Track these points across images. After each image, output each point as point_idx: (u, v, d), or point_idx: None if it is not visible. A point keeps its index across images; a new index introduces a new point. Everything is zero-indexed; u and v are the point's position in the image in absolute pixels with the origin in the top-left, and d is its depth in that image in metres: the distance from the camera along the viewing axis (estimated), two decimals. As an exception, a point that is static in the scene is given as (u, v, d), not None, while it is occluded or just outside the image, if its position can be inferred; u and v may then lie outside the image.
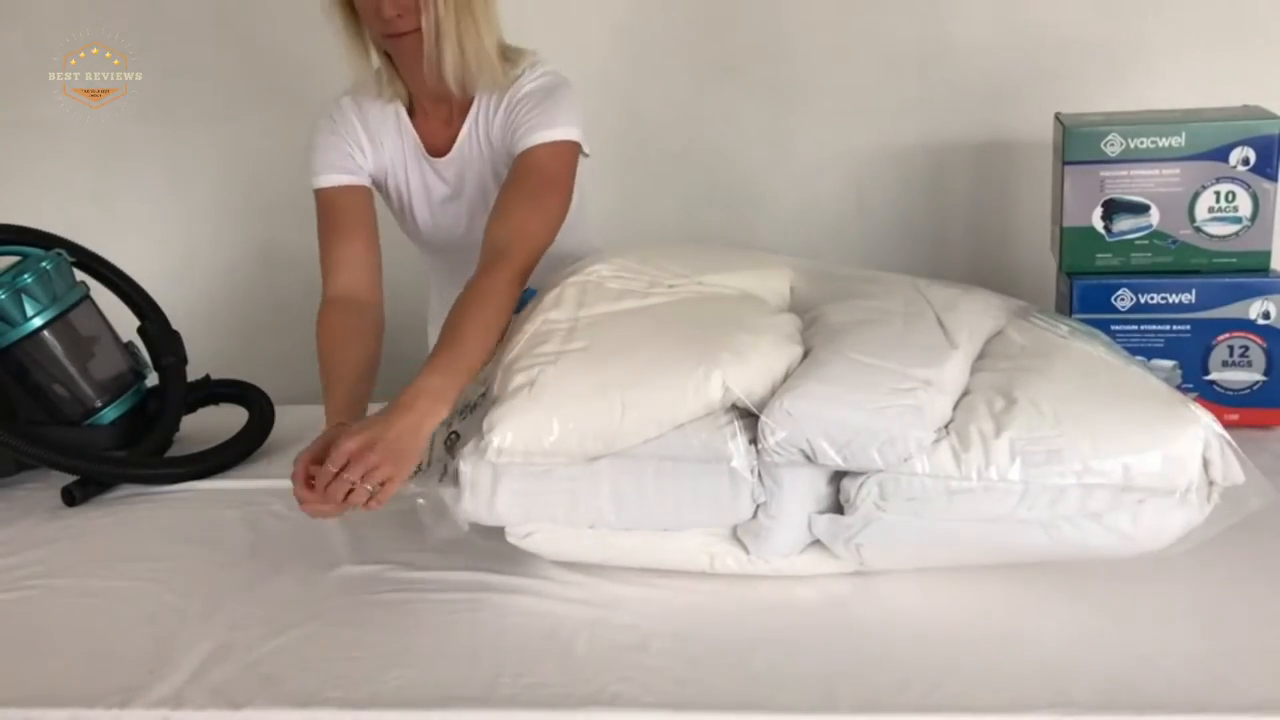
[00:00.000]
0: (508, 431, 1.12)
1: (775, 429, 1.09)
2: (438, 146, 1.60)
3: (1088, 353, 1.23)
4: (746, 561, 1.17)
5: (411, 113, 1.60)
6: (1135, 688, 0.98)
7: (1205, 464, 1.08)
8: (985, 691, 0.99)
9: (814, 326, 1.27)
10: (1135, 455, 1.07)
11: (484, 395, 1.23)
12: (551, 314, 1.27)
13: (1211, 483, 1.09)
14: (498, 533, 1.19)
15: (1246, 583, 1.15)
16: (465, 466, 1.15)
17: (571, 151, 1.50)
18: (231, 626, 1.17)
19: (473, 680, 1.05)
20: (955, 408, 1.14)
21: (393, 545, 1.29)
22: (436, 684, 1.05)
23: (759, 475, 1.13)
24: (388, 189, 1.65)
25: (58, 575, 1.32)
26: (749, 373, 1.14)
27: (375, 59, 1.56)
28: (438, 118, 1.60)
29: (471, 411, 1.23)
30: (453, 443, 1.20)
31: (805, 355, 1.20)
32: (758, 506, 1.14)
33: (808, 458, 1.10)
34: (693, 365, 1.13)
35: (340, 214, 1.55)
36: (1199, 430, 1.08)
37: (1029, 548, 1.11)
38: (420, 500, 1.18)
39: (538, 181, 1.46)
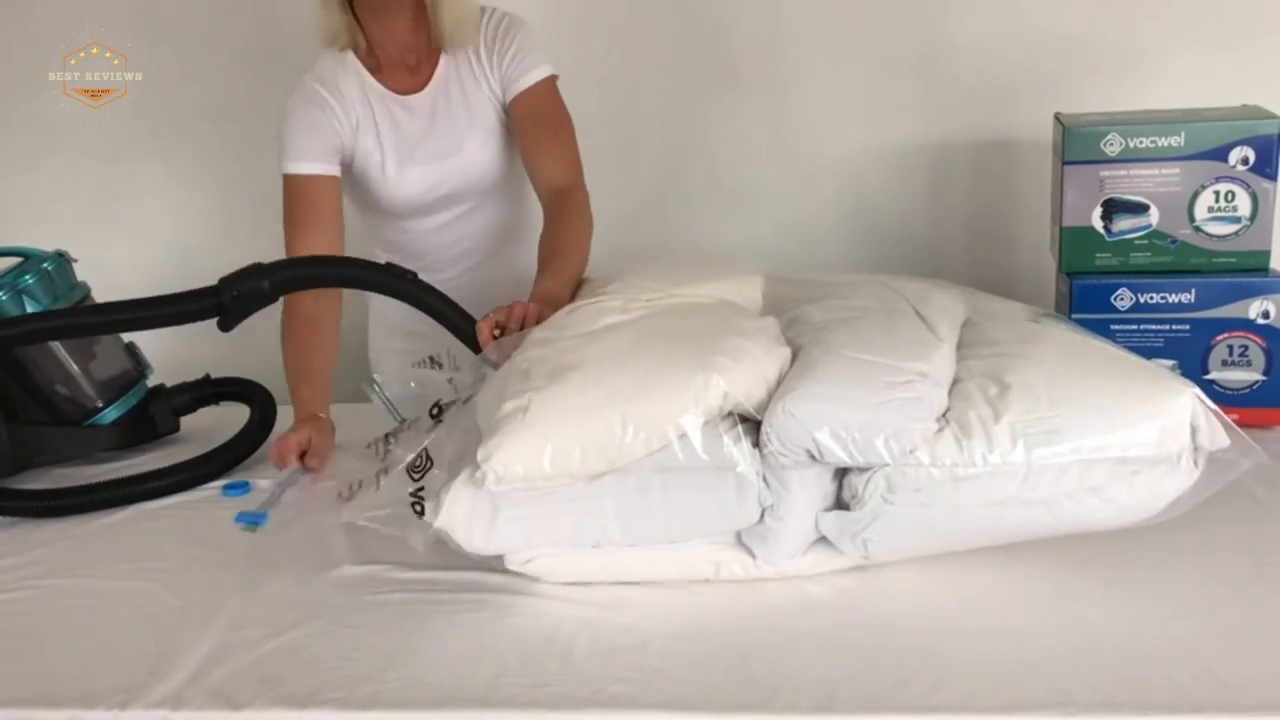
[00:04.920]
0: (505, 458, 1.09)
1: (779, 432, 1.09)
2: (407, 89, 1.68)
3: (1065, 334, 1.26)
4: (752, 566, 1.17)
5: (370, 69, 1.67)
6: (1135, 688, 0.98)
7: (1193, 431, 1.11)
8: (985, 691, 0.99)
9: (795, 327, 1.27)
10: (1131, 428, 1.10)
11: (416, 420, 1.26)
12: (529, 350, 1.24)
13: (1198, 448, 1.11)
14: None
15: (1246, 583, 1.15)
16: (461, 499, 1.13)
17: (555, 84, 1.69)
18: (231, 626, 1.17)
19: (473, 680, 1.05)
20: (949, 396, 1.15)
21: (393, 545, 1.29)
22: (436, 684, 1.05)
23: (764, 479, 1.13)
24: (357, 151, 1.67)
25: (57, 575, 1.32)
26: (746, 376, 1.14)
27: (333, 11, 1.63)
28: (403, 66, 1.67)
29: (406, 428, 1.29)
30: (422, 466, 1.22)
31: (794, 355, 1.20)
32: (764, 510, 1.14)
33: (813, 457, 1.10)
34: (691, 373, 1.12)
35: (310, 204, 1.61)
36: (1187, 399, 1.11)
37: (1032, 527, 1.13)
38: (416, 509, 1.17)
39: (550, 121, 1.67)
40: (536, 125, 1.66)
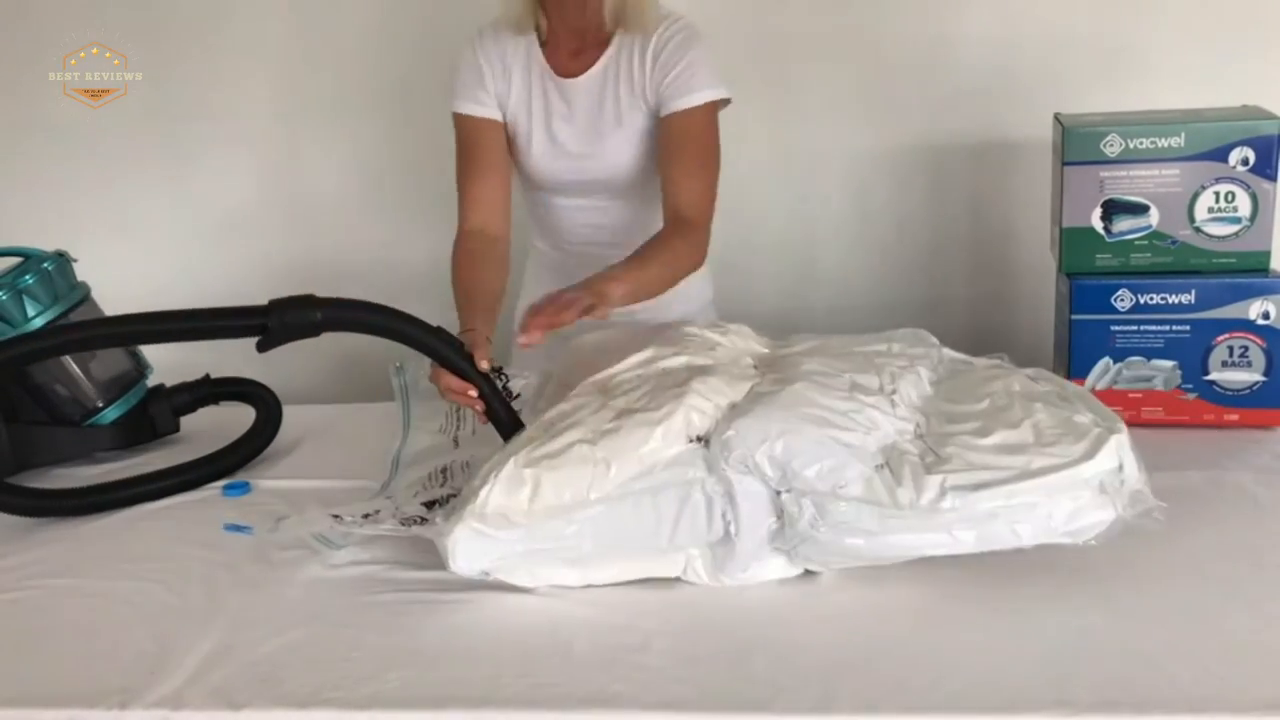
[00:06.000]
0: (487, 501, 1.15)
1: (727, 451, 1.16)
2: (566, 72, 1.69)
3: (1021, 386, 1.30)
4: (715, 569, 1.21)
5: (542, 44, 1.70)
6: (1135, 688, 0.98)
7: (1120, 467, 1.14)
8: (985, 691, 0.99)
9: (765, 377, 1.33)
10: (1061, 474, 1.12)
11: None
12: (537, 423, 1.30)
13: (1123, 483, 1.14)
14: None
15: (1246, 583, 1.15)
16: (442, 527, 1.18)
17: (716, 111, 1.68)
18: (231, 626, 1.17)
19: (473, 680, 1.05)
20: (889, 452, 1.19)
21: (393, 545, 1.29)
22: (436, 684, 1.05)
23: (726, 497, 1.18)
24: (507, 117, 1.71)
25: (57, 575, 1.32)
26: (710, 406, 1.23)
27: None
28: (568, 49, 1.69)
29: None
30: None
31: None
32: (727, 525, 1.18)
33: (757, 477, 1.16)
34: (661, 402, 1.22)
35: (480, 149, 1.69)
36: (1112, 449, 1.13)
37: (960, 547, 1.14)
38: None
39: (696, 150, 1.65)
40: (680, 151, 1.64)
